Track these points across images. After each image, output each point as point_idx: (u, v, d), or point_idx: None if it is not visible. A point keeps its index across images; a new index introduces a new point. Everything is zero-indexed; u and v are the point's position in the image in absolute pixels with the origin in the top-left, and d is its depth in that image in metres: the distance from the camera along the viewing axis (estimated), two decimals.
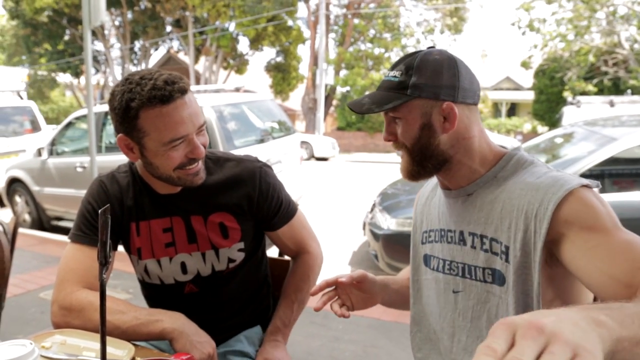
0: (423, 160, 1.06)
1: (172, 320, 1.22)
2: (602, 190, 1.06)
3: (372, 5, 23.14)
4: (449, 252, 1.14)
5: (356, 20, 23.20)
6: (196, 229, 1.34)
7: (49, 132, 8.49)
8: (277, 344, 1.39)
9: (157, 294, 1.46)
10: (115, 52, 23.66)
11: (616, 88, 17.48)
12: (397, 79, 1.04)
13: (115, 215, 1.34)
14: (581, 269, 0.89)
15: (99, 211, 0.79)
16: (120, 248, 1.41)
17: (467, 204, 1.08)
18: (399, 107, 1.03)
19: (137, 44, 23.62)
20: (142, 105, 1.14)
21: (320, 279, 1.22)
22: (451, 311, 1.14)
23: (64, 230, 6.11)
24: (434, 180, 1.26)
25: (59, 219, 6.38)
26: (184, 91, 1.17)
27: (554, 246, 0.93)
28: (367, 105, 1.06)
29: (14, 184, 6.62)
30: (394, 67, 1.06)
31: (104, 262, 0.79)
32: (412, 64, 1.03)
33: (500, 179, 1.04)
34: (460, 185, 1.09)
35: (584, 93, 16.64)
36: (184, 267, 1.37)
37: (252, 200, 1.36)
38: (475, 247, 1.06)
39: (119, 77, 22.16)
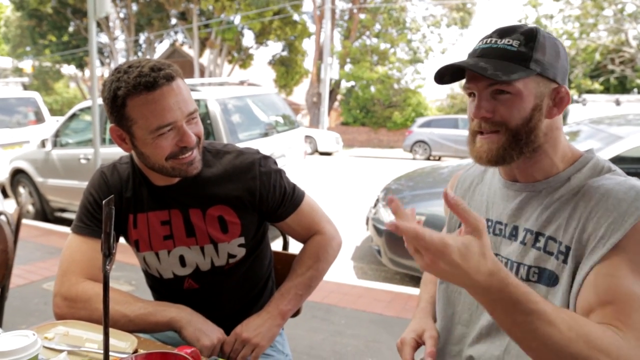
0: (525, 144, 0.97)
1: (179, 311, 1.23)
2: None
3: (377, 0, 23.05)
4: (493, 244, 1.08)
5: (362, 15, 23.12)
6: (194, 223, 1.32)
7: (53, 123, 8.50)
8: (260, 314, 1.33)
9: (159, 286, 1.45)
10: (120, 44, 23.67)
11: (622, 87, 17.40)
12: (515, 48, 0.93)
13: (114, 206, 1.34)
14: (583, 286, 0.88)
15: (103, 202, 0.79)
16: (123, 239, 1.41)
17: (532, 201, 1.01)
18: (515, 81, 0.93)
19: (142, 37, 23.61)
20: (128, 93, 1.13)
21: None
22: (478, 305, 1.10)
23: (67, 222, 6.13)
24: (479, 166, 1.20)
25: (63, 210, 6.40)
26: (170, 77, 1.15)
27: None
28: (490, 70, 0.92)
29: (17, 175, 6.63)
30: (504, 35, 0.96)
31: (108, 254, 0.78)
32: (534, 36, 0.93)
33: (575, 181, 0.97)
34: (533, 178, 1.02)
35: (589, 91, 16.56)
36: (182, 260, 1.35)
37: (254, 194, 1.33)
38: (525, 244, 1.01)
39: None
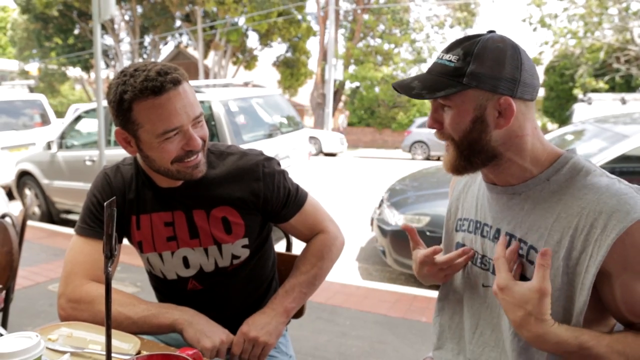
0: (471, 155, 0.99)
1: (182, 313, 1.23)
2: None
3: (381, 0, 23.04)
4: (481, 246, 1.10)
5: (365, 16, 23.12)
6: (198, 224, 1.32)
7: (58, 125, 8.54)
8: (264, 312, 1.33)
9: (163, 287, 1.45)
10: (125, 47, 23.76)
11: (628, 85, 17.29)
12: (453, 64, 0.95)
13: (117, 208, 1.34)
14: (612, 302, 0.92)
15: (105, 204, 0.79)
16: (127, 241, 1.41)
17: (513, 204, 1.02)
18: (452, 95, 0.95)
19: (147, 39, 23.69)
20: (134, 97, 1.13)
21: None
22: (479, 304, 1.12)
23: (72, 223, 6.13)
24: None
25: (68, 212, 6.42)
26: (176, 82, 1.15)
27: (602, 274, 0.90)
28: (416, 90, 0.97)
29: (23, 177, 6.66)
30: (449, 49, 0.97)
31: (110, 255, 0.78)
32: (472, 49, 0.94)
33: (554, 183, 0.97)
34: (509, 182, 1.03)
35: (595, 90, 16.47)
36: (186, 262, 1.35)
37: (257, 195, 1.33)
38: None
39: None
